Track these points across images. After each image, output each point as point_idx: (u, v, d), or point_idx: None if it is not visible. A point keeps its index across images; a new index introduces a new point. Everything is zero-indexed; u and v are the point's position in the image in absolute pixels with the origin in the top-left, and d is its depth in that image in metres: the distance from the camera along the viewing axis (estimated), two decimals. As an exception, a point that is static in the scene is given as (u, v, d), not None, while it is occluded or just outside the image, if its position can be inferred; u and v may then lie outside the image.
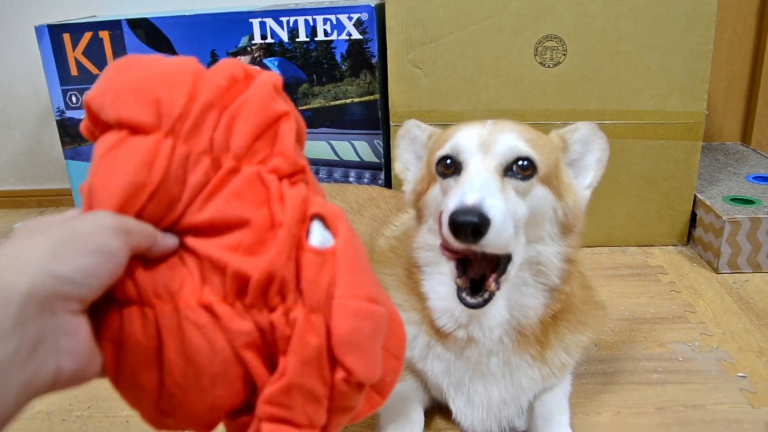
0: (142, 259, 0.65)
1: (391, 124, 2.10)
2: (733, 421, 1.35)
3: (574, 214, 1.18)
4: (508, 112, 2.06)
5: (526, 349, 1.22)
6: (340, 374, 0.68)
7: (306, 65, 2.16)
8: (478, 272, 1.10)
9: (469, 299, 1.09)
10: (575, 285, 1.23)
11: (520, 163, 1.10)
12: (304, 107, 2.20)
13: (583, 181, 1.25)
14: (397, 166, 1.34)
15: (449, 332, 1.21)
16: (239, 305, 0.66)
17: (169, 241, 0.67)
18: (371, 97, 2.18)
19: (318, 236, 0.71)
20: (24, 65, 2.71)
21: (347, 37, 2.12)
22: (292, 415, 0.66)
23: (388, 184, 2.26)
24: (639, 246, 2.20)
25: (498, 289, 1.09)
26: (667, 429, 1.34)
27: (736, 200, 2.09)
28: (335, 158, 2.25)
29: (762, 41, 2.56)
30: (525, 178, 1.10)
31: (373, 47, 2.12)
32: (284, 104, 0.75)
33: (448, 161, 1.13)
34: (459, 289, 1.10)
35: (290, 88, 2.19)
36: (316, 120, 2.22)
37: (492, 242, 0.99)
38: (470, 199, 0.98)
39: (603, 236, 2.22)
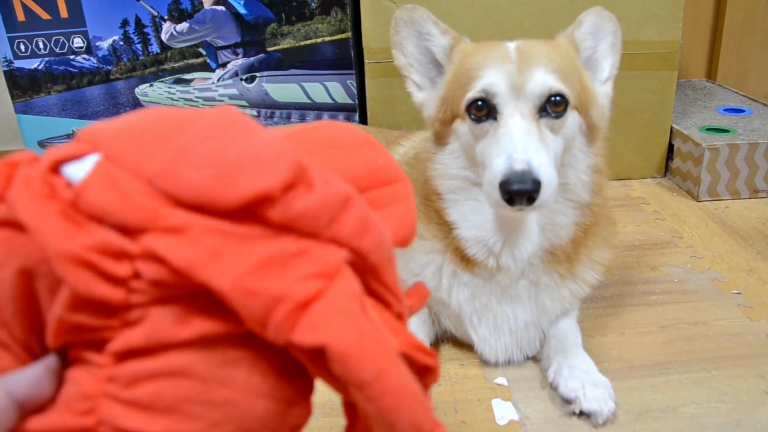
0: None
1: (366, 61, 2.02)
2: (735, 334, 1.36)
3: (600, 120, 1.15)
4: (485, 46, 2.01)
5: (555, 268, 1.20)
6: None
7: (274, 3, 2.06)
8: None
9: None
10: (605, 194, 1.20)
11: (553, 99, 1.07)
12: (273, 48, 2.11)
13: (601, 75, 1.21)
14: (399, 59, 1.24)
15: (479, 261, 1.17)
16: None
17: None
18: (343, 36, 2.10)
19: None
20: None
21: (316, -28, 2.03)
22: None
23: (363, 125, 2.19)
24: (618, 179, 2.19)
25: None
26: (673, 345, 1.33)
27: (711, 130, 2.10)
28: (307, 101, 2.16)
29: (725, -24, 2.57)
30: (558, 114, 1.08)
31: (344, -18, 2.03)
32: None
33: (480, 103, 1.09)
34: None
35: (258, 28, 2.08)
36: (286, 62, 2.12)
37: (543, 202, 0.99)
38: (519, 164, 0.97)
39: (581, 172, 2.20)
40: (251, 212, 0.52)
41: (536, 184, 0.96)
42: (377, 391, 0.51)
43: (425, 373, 0.60)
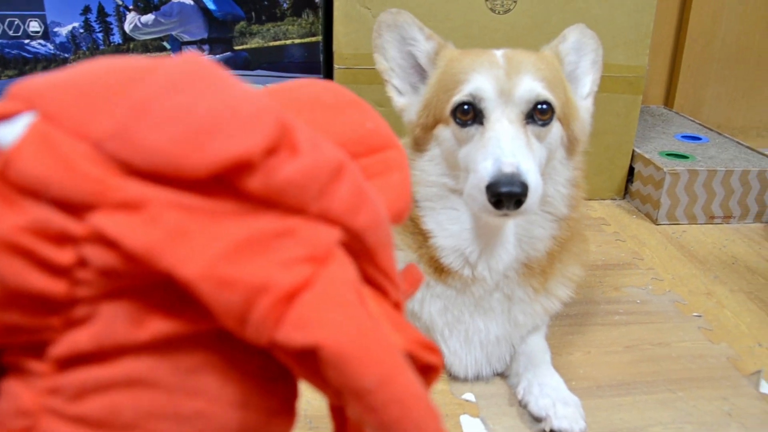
0: None
1: (335, 66, 1.99)
2: (697, 356, 1.37)
3: (580, 133, 1.15)
4: (456, 59, 2.00)
5: (529, 282, 1.18)
6: None
7: (244, 1, 2.01)
8: None
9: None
10: (581, 210, 1.20)
11: (540, 107, 1.07)
12: (240, 47, 2.05)
13: (582, 90, 1.24)
14: (381, 63, 1.22)
15: (454, 271, 1.15)
16: None
17: None
18: (313, 39, 2.06)
19: None
20: None
21: (290, -27, 1.99)
22: None
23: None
24: (579, 199, 2.22)
25: None
26: (638, 366, 1.34)
27: (670, 155, 2.14)
28: (273, 104, 2.11)
29: (686, 8, 2.64)
30: (545, 123, 1.08)
31: (318, -15, 2.00)
32: None
33: (466, 107, 1.08)
34: None
35: (227, 25, 2.03)
36: (254, 61, 2.07)
37: (530, 208, 0.98)
38: (508, 168, 0.96)
39: (543, 190, 2.22)
40: (225, 183, 0.43)
41: (524, 188, 0.96)
42: (381, 400, 0.44)
43: (427, 373, 0.53)
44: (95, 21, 1.99)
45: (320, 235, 0.46)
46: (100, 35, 2.01)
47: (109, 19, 1.99)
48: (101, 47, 2.02)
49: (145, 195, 0.42)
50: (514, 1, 1.96)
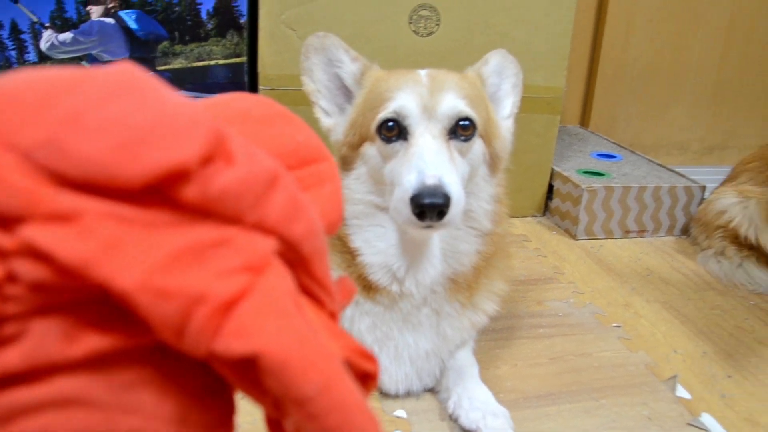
0: None
1: (261, 87, 1.98)
2: (618, 365, 1.43)
3: (502, 152, 1.19)
4: (381, 80, 2.03)
5: (456, 297, 1.21)
6: None
7: (167, 21, 1.98)
8: None
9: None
10: (505, 226, 1.24)
11: (462, 123, 1.11)
12: (163, 67, 2.02)
13: (503, 112, 1.30)
14: (308, 85, 1.24)
15: (382, 287, 1.16)
16: None
17: None
18: (238, 60, 2.05)
19: None
20: None
21: (214, -7, 1.98)
22: None
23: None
24: (502, 217, 2.28)
25: None
26: (562, 376, 1.38)
27: (587, 173, 2.23)
28: (197, 124, 2.08)
29: (599, 32, 2.78)
30: (467, 138, 1.12)
31: (242, 6, 1.99)
32: None
33: (391, 124, 1.11)
34: None
35: (149, 45, 1.99)
36: (177, 82, 2.04)
37: (452, 219, 1.01)
38: (431, 180, 0.99)
39: (468, 208, 2.27)
40: (160, 193, 0.42)
41: (447, 199, 0.99)
42: (322, 408, 0.44)
43: (365, 380, 0.54)
44: (8, 38, 1.91)
45: (257, 244, 0.46)
46: (13, 53, 1.93)
47: (23, 36, 1.92)
48: (14, 66, 1.95)
49: (78, 206, 0.41)
50: (437, 24, 2.02)
